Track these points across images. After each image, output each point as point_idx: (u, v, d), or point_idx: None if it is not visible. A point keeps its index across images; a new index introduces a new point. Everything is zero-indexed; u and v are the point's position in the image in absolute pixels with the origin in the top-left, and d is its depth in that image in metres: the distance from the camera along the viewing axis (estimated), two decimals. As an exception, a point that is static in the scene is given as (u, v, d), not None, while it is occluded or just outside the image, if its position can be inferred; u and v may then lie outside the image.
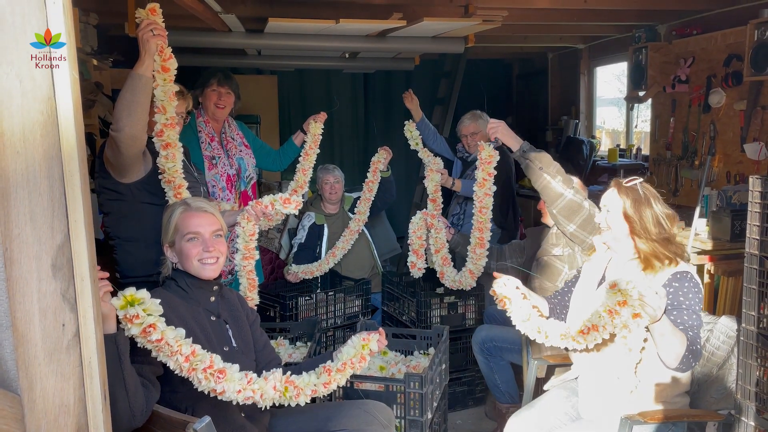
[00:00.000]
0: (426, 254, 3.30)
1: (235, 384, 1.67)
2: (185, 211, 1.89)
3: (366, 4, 3.68)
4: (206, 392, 1.66)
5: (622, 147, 5.70)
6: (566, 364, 2.39)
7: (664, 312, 1.80)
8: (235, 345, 1.92)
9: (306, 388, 1.73)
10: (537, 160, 2.58)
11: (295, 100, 6.64)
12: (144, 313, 1.55)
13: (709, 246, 3.44)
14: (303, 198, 3.10)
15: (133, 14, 3.16)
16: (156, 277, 2.01)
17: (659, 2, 4.04)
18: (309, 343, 2.75)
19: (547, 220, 2.92)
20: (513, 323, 2.09)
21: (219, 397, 1.67)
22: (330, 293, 3.40)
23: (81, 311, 1.11)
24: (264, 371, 1.98)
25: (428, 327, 3.09)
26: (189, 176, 2.32)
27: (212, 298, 1.92)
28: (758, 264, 1.90)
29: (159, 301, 1.60)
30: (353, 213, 3.80)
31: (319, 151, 3.28)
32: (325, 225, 3.84)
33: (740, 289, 3.20)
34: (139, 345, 1.59)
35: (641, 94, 4.76)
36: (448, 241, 3.24)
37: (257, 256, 2.54)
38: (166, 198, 2.20)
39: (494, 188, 3.00)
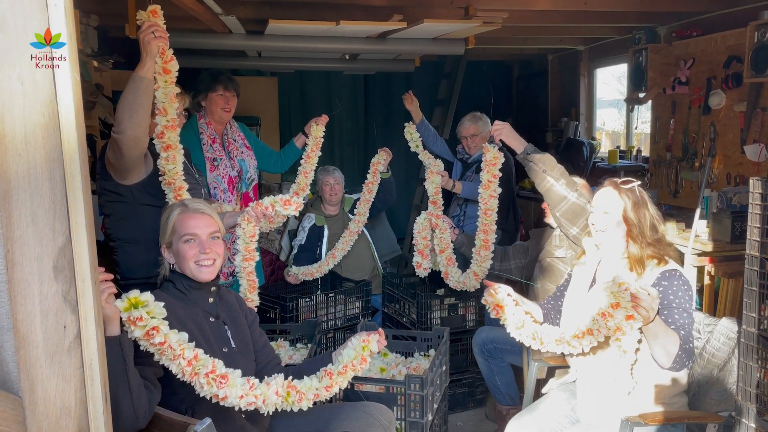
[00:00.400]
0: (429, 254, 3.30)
1: (237, 389, 1.66)
2: (183, 212, 1.89)
3: (366, 6, 3.68)
4: (208, 397, 1.66)
5: (622, 148, 5.70)
6: (566, 366, 2.39)
7: (657, 313, 1.81)
8: (234, 346, 1.92)
9: (308, 392, 1.73)
10: (541, 162, 2.58)
11: (295, 102, 6.64)
12: (148, 315, 1.55)
13: (709, 247, 3.44)
14: (303, 200, 3.10)
15: (134, 16, 3.17)
16: (156, 279, 2.01)
17: (659, 4, 4.05)
18: (309, 345, 2.75)
19: (550, 219, 2.93)
20: (507, 331, 2.09)
21: (221, 403, 1.67)
22: (330, 295, 3.40)
23: (82, 313, 1.11)
24: (265, 376, 1.98)
25: (428, 328, 3.09)
26: (190, 178, 2.33)
27: (210, 300, 1.92)
28: (759, 266, 1.89)
29: (163, 304, 1.60)
30: (353, 214, 3.80)
31: (320, 153, 3.29)
32: (326, 226, 3.84)
33: (741, 290, 3.20)
34: (141, 348, 1.59)
35: (641, 95, 4.76)
36: (452, 242, 3.24)
37: (258, 258, 2.54)
38: (167, 200, 2.20)
39: (499, 190, 3.00)
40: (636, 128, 5.82)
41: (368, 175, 3.69)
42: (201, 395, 1.66)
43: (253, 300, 2.55)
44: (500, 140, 2.73)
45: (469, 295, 3.26)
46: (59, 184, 1.08)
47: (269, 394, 1.70)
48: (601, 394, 2.00)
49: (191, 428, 1.53)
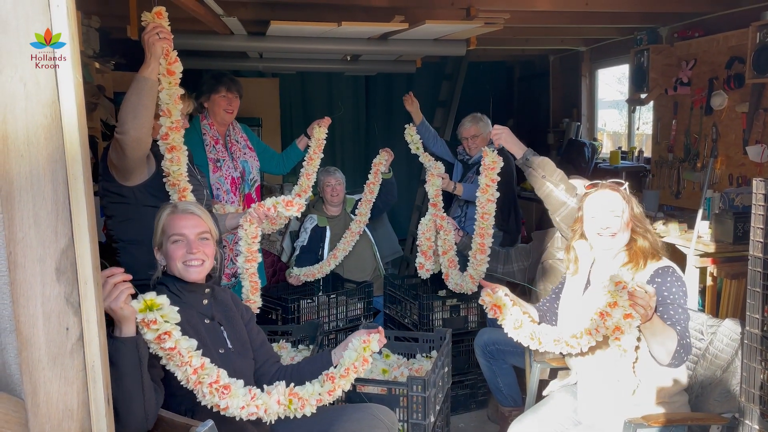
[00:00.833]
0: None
1: (238, 400, 1.66)
2: (171, 213, 1.88)
3: (368, 7, 3.68)
4: (209, 406, 1.66)
5: (623, 149, 5.70)
6: (568, 367, 2.38)
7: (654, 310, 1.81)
8: (230, 346, 1.91)
9: (311, 398, 1.73)
10: (540, 168, 2.57)
11: (296, 103, 6.64)
12: (161, 319, 1.56)
13: (711, 248, 3.43)
14: (305, 201, 3.10)
15: (135, 17, 3.18)
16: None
17: (661, 5, 4.04)
18: (311, 346, 2.74)
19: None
20: (505, 331, 2.08)
21: (221, 413, 1.67)
22: (332, 296, 3.39)
23: (85, 315, 1.11)
24: (264, 374, 1.98)
25: (430, 330, 3.09)
26: (192, 179, 2.33)
27: (205, 301, 1.91)
28: (762, 267, 1.89)
29: (178, 309, 1.60)
30: (355, 215, 3.80)
31: (323, 155, 3.29)
32: (328, 227, 3.84)
33: (743, 291, 3.20)
34: (151, 351, 1.59)
35: (643, 96, 4.76)
36: (456, 244, 3.24)
37: (260, 259, 2.54)
38: (171, 201, 2.20)
39: (497, 195, 2.99)
40: (638, 129, 5.82)
41: (370, 176, 3.69)
42: (202, 404, 1.66)
43: (255, 301, 2.55)
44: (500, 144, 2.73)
45: (471, 296, 3.25)
46: (61, 186, 1.08)
47: (271, 404, 1.69)
48: (602, 396, 2.00)
49: (193, 430, 1.52)
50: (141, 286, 1.64)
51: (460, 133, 3.93)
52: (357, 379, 2.12)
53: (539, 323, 2.25)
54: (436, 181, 3.47)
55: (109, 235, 2.36)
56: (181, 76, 2.14)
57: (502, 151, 2.92)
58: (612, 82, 6.62)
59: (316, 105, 6.58)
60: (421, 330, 3.17)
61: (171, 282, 1.87)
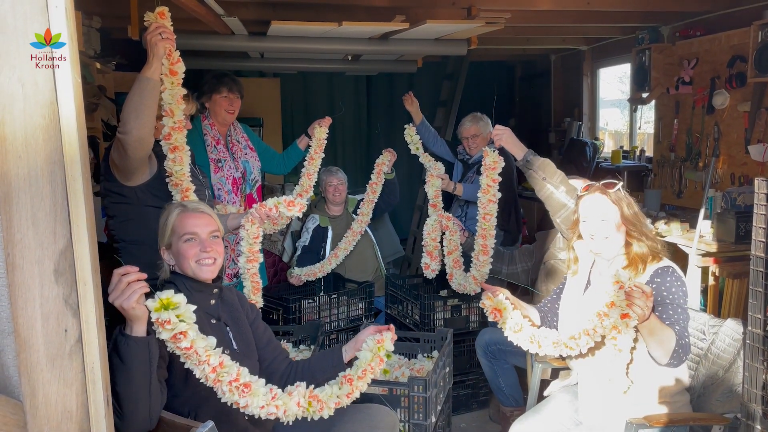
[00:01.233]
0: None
1: (259, 399, 1.65)
2: (182, 212, 1.88)
3: (368, 7, 3.68)
4: (229, 403, 1.65)
5: (625, 149, 5.69)
6: (570, 368, 2.38)
7: (652, 310, 1.80)
8: (236, 347, 1.91)
9: (329, 401, 1.73)
10: (541, 170, 2.57)
11: (297, 103, 6.64)
12: (177, 319, 1.55)
13: (713, 248, 3.42)
14: (307, 201, 3.10)
15: (136, 18, 3.18)
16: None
17: (662, 4, 4.03)
18: (312, 346, 2.74)
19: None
20: (505, 335, 2.08)
21: (241, 411, 1.66)
22: (333, 296, 3.39)
23: (83, 316, 1.11)
24: (274, 372, 1.97)
25: (432, 330, 3.08)
26: (195, 180, 2.33)
27: (212, 301, 1.91)
28: (764, 267, 1.88)
29: (194, 308, 1.60)
30: (356, 214, 3.80)
31: (323, 155, 3.29)
32: (329, 227, 3.83)
33: (745, 291, 3.19)
34: (168, 349, 1.59)
35: (645, 95, 4.75)
36: (461, 244, 3.23)
37: (261, 259, 2.54)
38: (173, 201, 2.20)
39: (499, 195, 2.98)
40: (639, 128, 5.81)
41: (372, 176, 3.69)
42: (222, 401, 1.65)
43: (256, 301, 2.54)
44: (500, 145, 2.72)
45: (472, 296, 3.25)
46: (60, 187, 1.07)
47: (291, 405, 1.68)
48: (602, 396, 1.99)
49: (194, 431, 1.52)
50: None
51: (460, 133, 3.93)
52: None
53: (540, 325, 2.25)
54: (435, 181, 3.47)
55: (111, 235, 2.36)
56: (183, 76, 2.14)
57: (502, 150, 2.91)
58: (613, 81, 6.61)
59: (317, 105, 6.58)
60: (422, 330, 3.17)
61: (180, 281, 1.86)
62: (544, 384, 2.43)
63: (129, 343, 1.49)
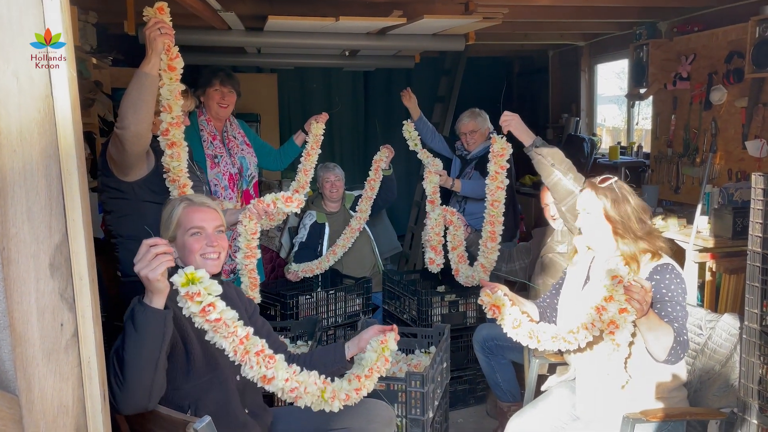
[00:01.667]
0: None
1: (283, 372, 1.67)
2: (188, 206, 1.88)
3: (366, 2, 3.66)
4: (255, 379, 1.66)
5: (623, 145, 5.69)
6: (567, 363, 2.38)
7: (650, 306, 1.80)
8: None
9: (340, 392, 1.75)
10: (549, 156, 2.56)
11: (295, 99, 6.63)
12: (205, 291, 1.56)
13: (710, 243, 3.43)
14: (304, 197, 3.10)
15: (133, 13, 3.17)
16: None
17: (660, -1, 4.04)
18: (309, 342, 2.75)
19: (548, 213, 2.92)
20: (504, 331, 2.08)
21: (265, 386, 1.67)
22: (330, 292, 3.39)
23: (79, 311, 1.11)
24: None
25: (429, 325, 3.09)
26: (192, 175, 2.32)
27: None
28: (761, 261, 1.89)
29: (217, 281, 1.61)
30: (354, 211, 3.79)
31: (320, 151, 3.28)
32: (327, 223, 3.83)
33: (742, 286, 3.20)
34: (196, 325, 1.60)
35: (642, 91, 4.75)
36: (464, 239, 3.24)
37: (259, 255, 2.54)
38: (170, 197, 2.20)
39: (507, 182, 2.98)
40: (637, 124, 5.81)
41: (370, 173, 3.68)
42: (248, 377, 1.66)
43: (254, 297, 2.54)
44: (508, 132, 2.71)
45: (469, 291, 3.25)
46: (55, 181, 1.07)
47: (310, 383, 1.71)
48: (600, 391, 2.00)
49: (191, 426, 1.52)
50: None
51: (458, 129, 3.92)
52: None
53: (539, 320, 2.25)
54: (433, 177, 3.47)
55: (108, 231, 2.35)
56: (182, 72, 2.13)
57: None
58: (611, 77, 6.60)
59: (314, 101, 6.57)
60: (419, 325, 3.17)
61: None
62: (542, 379, 2.44)
63: (147, 312, 1.51)
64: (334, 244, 3.71)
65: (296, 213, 3.38)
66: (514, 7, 3.86)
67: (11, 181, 1.01)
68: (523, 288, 3.14)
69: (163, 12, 2.06)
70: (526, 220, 5.51)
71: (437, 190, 3.48)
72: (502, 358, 2.93)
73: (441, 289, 3.47)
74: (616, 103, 6.63)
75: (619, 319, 1.79)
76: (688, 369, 2.13)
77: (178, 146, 2.19)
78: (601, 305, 1.82)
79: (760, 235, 1.89)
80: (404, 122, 3.73)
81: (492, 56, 6.95)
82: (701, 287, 3.54)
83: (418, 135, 3.72)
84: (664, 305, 1.92)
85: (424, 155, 3.57)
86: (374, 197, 3.72)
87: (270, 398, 2.23)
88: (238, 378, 1.83)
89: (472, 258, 3.25)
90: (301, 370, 1.75)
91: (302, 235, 3.82)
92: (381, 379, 2.34)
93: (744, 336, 1.95)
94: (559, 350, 2.05)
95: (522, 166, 3.73)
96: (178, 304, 1.57)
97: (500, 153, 2.91)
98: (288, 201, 2.35)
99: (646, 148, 5.25)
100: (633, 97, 5.01)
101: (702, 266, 3.50)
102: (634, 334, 1.88)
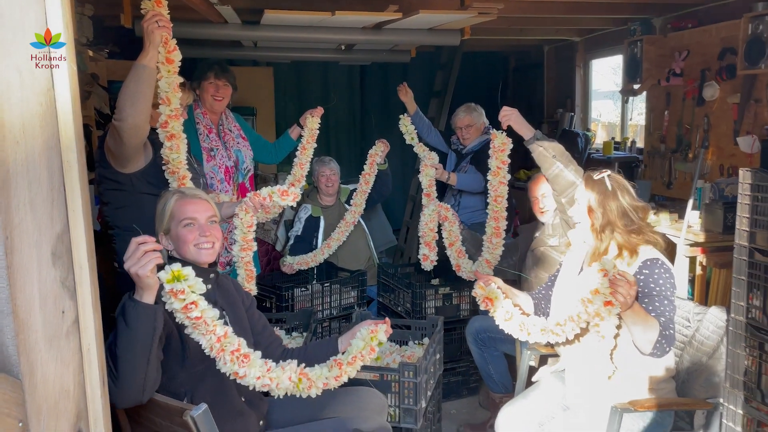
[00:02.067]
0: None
1: (255, 370, 1.73)
2: (180, 198, 1.91)
3: (362, -3, 3.68)
4: (228, 374, 1.71)
5: (617, 140, 5.73)
6: (558, 354, 2.42)
7: (636, 299, 1.84)
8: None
9: (317, 380, 1.79)
10: (551, 148, 2.59)
11: (291, 92, 6.63)
12: (189, 289, 1.61)
13: (701, 238, 3.47)
14: (300, 190, 3.13)
15: (129, 5, 3.17)
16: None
17: (654, -5, 4.06)
18: (305, 334, 2.77)
19: (536, 207, 2.95)
20: (496, 323, 2.12)
21: (239, 381, 1.72)
22: (326, 284, 3.42)
23: (80, 299, 1.14)
24: (270, 358, 2.01)
25: (423, 318, 3.12)
26: (190, 168, 2.34)
27: (209, 286, 1.94)
28: (747, 255, 1.92)
29: (202, 279, 1.66)
30: (350, 204, 3.82)
31: (316, 145, 3.30)
32: (322, 217, 3.85)
33: (732, 280, 3.23)
34: (177, 320, 1.65)
35: (636, 87, 4.77)
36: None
37: (255, 248, 2.56)
38: (169, 188, 2.22)
39: (509, 177, 3.00)
40: (631, 119, 5.84)
41: (365, 167, 3.70)
42: (222, 371, 1.72)
43: (250, 289, 2.57)
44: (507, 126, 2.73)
45: (463, 284, 3.28)
46: (57, 172, 1.10)
47: (283, 379, 1.76)
48: (588, 381, 2.03)
49: (187, 413, 1.55)
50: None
51: (453, 123, 3.94)
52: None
53: (534, 312, 2.29)
54: (429, 171, 3.49)
55: (105, 222, 2.37)
56: (180, 64, 2.15)
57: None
58: (607, 72, 6.64)
59: (310, 94, 6.57)
60: (413, 318, 3.20)
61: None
62: (533, 371, 2.48)
63: (137, 308, 1.54)
64: (329, 238, 3.74)
65: (292, 206, 3.40)
66: (509, 2, 3.87)
67: (14, 172, 1.03)
68: (514, 280, 3.16)
69: (160, 4, 2.08)
70: (521, 215, 5.55)
71: (433, 183, 3.50)
72: (495, 350, 2.97)
73: (435, 282, 3.50)
74: (610, 99, 6.66)
75: (603, 311, 1.83)
76: (676, 360, 2.16)
77: (177, 138, 2.21)
78: (587, 297, 1.85)
79: (747, 229, 1.93)
80: (401, 117, 3.74)
81: (488, 51, 6.96)
82: (692, 281, 3.58)
83: (415, 129, 3.74)
84: (652, 299, 1.95)
85: (420, 149, 3.59)
86: (369, 191, 3.74)
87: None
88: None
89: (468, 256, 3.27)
90: (289, 364, 1.79)
91: (298, 228, 3.85)
92: (375, 369, 2.38)
93: (730, 328, 1.99)
94: (548, 343, 2.09)
95: (517, 161, 3.75)
96: (162, 299, 1.61)
97: (501, 148, 2.93)
98: (284, 194, 2.38)
99: (640, 144, 5.28)
100: (627, 92, 5.04)
101: (693, 260, 3.54)
102: (619, 326, 1.92)
